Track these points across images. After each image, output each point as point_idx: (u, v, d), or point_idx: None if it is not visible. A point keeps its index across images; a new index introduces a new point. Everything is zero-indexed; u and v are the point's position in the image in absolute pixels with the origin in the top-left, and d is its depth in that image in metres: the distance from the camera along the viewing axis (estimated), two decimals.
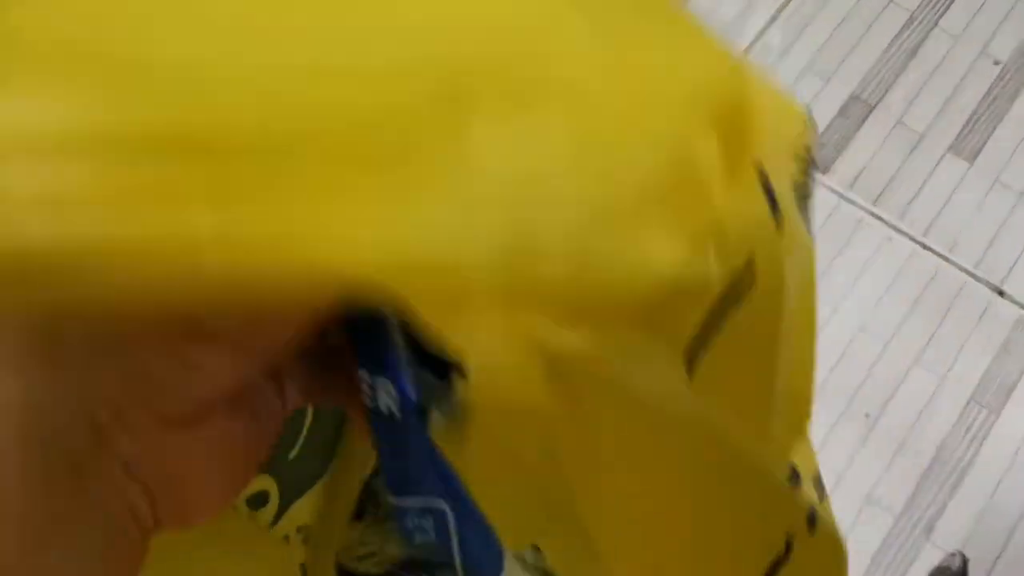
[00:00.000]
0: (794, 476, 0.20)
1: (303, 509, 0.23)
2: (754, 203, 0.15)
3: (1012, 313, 0.84)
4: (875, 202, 0.89)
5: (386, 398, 0.13)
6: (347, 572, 0.23)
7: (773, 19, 0.97)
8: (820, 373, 0.75)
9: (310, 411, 0.20)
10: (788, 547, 0.20)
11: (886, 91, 0.94)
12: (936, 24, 0.97)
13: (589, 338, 0.13)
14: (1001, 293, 0.85)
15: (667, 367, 0.15)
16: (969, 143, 0.91)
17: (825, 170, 0.90)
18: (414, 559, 0.22)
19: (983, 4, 0.97)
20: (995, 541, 0.77)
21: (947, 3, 0.97)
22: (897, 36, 0.98)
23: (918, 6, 0.97)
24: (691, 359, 0.15)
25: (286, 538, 0.23)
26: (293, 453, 0.21)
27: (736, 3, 0.97)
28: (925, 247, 0.87)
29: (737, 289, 0.15)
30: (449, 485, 0.14)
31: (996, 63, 0.95)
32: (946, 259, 0.86)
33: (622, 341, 0.13)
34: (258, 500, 0.21)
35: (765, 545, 0.20)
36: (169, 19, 0.11)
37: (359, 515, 0.23)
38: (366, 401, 0.13)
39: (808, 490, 0.20)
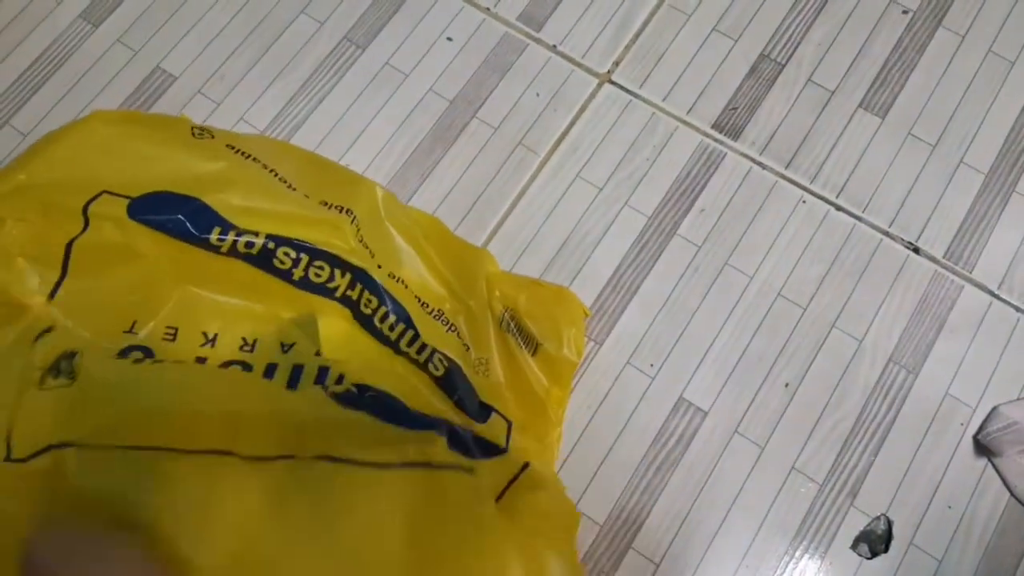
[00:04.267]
0: None
1: None
2: None
3: (928, 269, 0.83)
4: (787, 165, 0.87)
5: None
6: None
7: None
8: (740, 343, 0.73)
9: None
10: None
11: (795, 47, 0.92)
12: None
13: None
14: (916, 250, 0.84)
15: None
16: (880, 98, 0.89)
17: (737, 136, 0.88)
18: None
19: None
20: (919, 501, 0.76)
21: None
22: None
23: None
24: None
25: None
26: None
27: None
28: (839, 208, 0.85)
29: None
30: None
31: (905, 12, 0.93)
32: (859, 219, 0.85)
33: None
34: None
35: None
36: None
37: None
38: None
39: None
